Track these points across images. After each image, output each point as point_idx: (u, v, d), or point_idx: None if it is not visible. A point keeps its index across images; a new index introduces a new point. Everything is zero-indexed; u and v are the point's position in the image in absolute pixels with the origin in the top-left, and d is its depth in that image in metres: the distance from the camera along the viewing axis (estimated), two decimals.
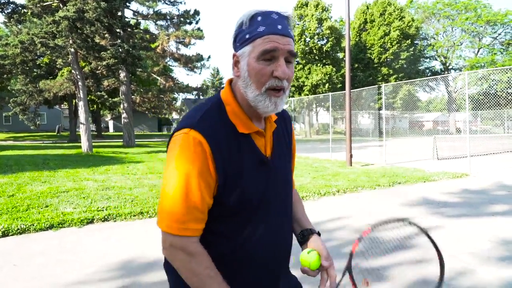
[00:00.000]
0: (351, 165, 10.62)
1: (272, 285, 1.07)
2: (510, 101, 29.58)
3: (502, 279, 2.94)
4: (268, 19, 0.91)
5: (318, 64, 33.95)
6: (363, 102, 30.61)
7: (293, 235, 1.16)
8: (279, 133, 1.09)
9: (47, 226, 4.42)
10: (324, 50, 33.88)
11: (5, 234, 4.16)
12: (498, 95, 31.29)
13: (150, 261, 3.44)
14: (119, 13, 18.62)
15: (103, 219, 4.77)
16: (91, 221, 4.70)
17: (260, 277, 1.03)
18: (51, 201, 5.63)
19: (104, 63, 16.09)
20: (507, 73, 30.97)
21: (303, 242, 1.12)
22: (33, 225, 4.38)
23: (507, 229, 4.27)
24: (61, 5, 14.57)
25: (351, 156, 10.78)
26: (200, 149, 0.90)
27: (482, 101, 30.44)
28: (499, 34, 42.10)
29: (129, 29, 18.46)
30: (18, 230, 4.25)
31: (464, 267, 3.19)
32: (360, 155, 14.19)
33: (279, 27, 0.91)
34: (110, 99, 20.11)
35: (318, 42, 34.43)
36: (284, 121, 1.15)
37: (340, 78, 33.05)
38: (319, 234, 1.14)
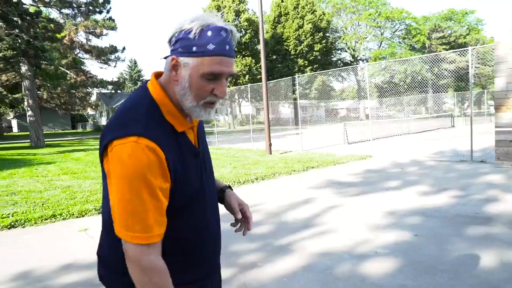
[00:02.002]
0: (271, 154, 11.17)
1: (214, 268, 1.18)
2: (407, 89, 33.44)
3: (387, 242, 3.50)
4: (218, 37, 0.92)
5: (238, 56, 34.41)
6: (282, 92, 31.91)
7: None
8: (200, 126, 1.17)
9: None
10: (242, 42, 34.41)
11: None
12: (398, 84, 35.12)
13: (66, 263, 3.36)
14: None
15: (9, 226, 4.45)
16: None
17: (205, 262, 1.11)
18: None
19: (0, 55, 14.41)
20: (403, 64, 34.85)
21: (222, 198, 1.27)
22: None
23: (395, 201, 5.01)
24: None
25: (270, 144, 11.33)
26: (154, 156, 0.90)
27: (386, 89, 33.90)
28: (397, 29, 47.08)
29: (28, 17, 16.69)
30: None
31: (359, 236, 3.71)
32: (280, 143, 14.93)
33: (227, 47, 0.94)
34: (10, 95, 18.04)
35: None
36: None
37: (259, 70, 33.94)
38: (230, 188, 1.32)
